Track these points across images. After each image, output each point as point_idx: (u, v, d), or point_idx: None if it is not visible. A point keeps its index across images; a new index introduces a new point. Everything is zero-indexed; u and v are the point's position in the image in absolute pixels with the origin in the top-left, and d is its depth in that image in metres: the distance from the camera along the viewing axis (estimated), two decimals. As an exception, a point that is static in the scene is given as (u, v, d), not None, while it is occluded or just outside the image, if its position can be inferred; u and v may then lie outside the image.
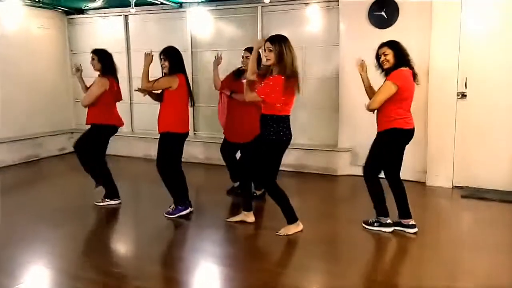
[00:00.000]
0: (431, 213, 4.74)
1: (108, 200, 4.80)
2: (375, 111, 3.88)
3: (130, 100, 7.43)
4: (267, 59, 3.69)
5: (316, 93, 6.28)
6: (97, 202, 4.80)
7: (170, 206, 4.44)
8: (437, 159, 5.40)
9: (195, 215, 4.48)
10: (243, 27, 6.61)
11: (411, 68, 3.82)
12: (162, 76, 4.29)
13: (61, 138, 7.62)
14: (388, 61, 3.80)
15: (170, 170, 4.36)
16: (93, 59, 4.66)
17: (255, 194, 4.84)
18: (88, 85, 4.80)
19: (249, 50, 4.59)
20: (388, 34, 5.46)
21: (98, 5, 7.23)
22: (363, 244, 3.83)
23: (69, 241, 3.96)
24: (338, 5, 5.86)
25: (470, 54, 5.13)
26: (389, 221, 3.96)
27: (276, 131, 3.71)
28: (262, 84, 3.68)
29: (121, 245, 4.06)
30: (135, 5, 6.40)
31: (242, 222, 4.20)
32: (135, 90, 4.43)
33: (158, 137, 4.36)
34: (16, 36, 6.95)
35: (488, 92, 5.13)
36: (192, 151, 6.71)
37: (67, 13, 7.68)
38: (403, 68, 3.76)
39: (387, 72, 3.83)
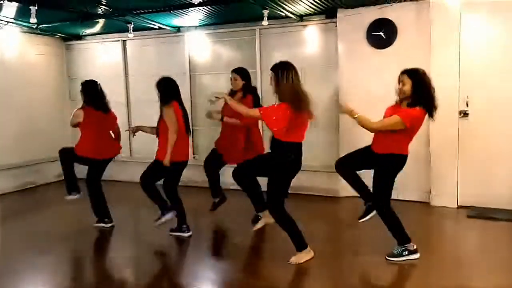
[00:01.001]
0: (437, 234, 4.64)
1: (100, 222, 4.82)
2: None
3: (129, 126, 7.35)
4: (271, 85, 3.69)
5: (315, 114, 6.21)
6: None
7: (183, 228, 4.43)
8: (441, 178, 5.31)
9: (195, 240, 4.37)
10: (241, 50, 6.60)
11: (429, 106, 3.50)
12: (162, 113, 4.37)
13: (58, 165, 7.47)
14: (404, 92, 3.53)
15: (177, 195, 4.47)
16: None
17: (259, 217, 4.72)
18: None
19: (236, 71, 4.71)
20: (386, 55, 5.49)
21: (96, 31, 7.25)
22: (369, 269, 3.72)
23: (66, 269, 3.87)
24: (336, 26, 5.87)
25: (471, 72, 5.11)
26: (415, 246, 3.73)
27: (280, 155, 3.63)
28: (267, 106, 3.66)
29: (120, 273, 3.93)
30: (133, 30, 6.42)
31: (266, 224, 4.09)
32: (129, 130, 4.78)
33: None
34: (14, 62, 6.94)
35: (490, 110, 5.09)
36: (190, 175, 6.59)
37: (64, 39, 7.69)
38: (418, 108, 3.48)
39: (408, 103, 3.54)
